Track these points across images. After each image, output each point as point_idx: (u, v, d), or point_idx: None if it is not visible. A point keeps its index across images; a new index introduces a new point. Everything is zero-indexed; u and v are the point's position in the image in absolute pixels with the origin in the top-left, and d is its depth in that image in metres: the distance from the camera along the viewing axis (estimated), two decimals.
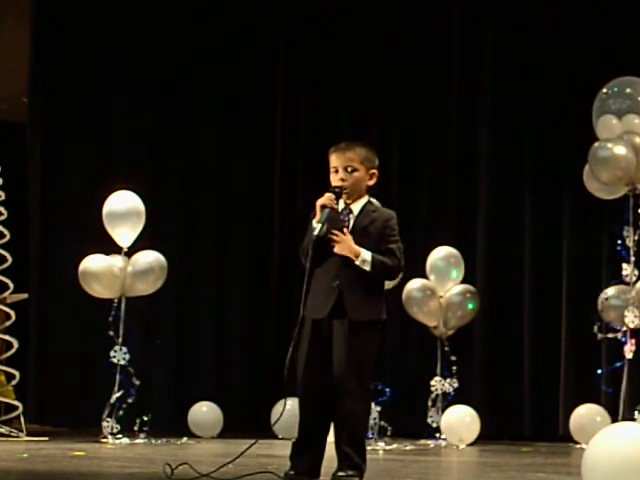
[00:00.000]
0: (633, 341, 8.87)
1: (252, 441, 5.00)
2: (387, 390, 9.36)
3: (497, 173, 10.98)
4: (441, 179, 11.17)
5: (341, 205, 5.14)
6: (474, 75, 11.12)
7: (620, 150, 8.71)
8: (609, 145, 8.78)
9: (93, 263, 8.80)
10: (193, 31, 11.20)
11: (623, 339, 8.97)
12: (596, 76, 9.56)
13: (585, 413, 9.37)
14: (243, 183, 11.40)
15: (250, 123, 11.38)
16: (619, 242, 9.00)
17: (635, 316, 8.85)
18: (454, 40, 11.20)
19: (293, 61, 11.48)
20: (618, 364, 9.02)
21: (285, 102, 11.47)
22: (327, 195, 5.06)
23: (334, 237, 5.00)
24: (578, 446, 9.19)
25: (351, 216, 5.14)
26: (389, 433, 9.51)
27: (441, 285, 9.85)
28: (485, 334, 10.73)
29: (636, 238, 8.90)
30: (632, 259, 8.90)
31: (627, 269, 8.90)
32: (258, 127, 11.38)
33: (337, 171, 5.14)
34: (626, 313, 8.87)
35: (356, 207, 5.16)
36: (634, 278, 8.94)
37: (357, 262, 5.01)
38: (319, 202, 5.03)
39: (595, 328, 9.21)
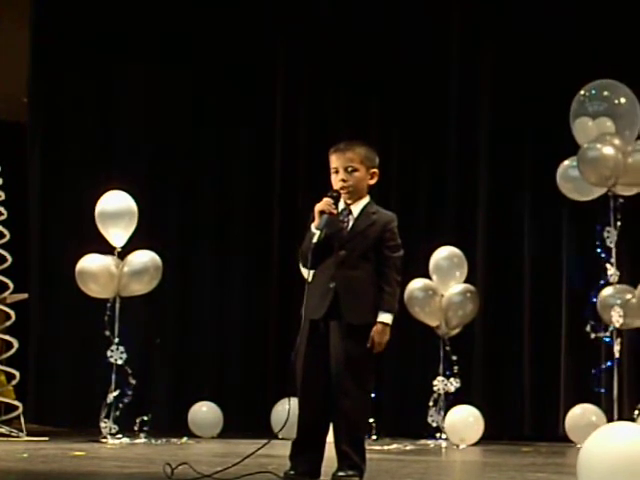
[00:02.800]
0: (619, 340, 8.88)
1: (252, 441, 5.00)
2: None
3: (497, 173, 10.97)
4: (441, 179, 11.17)
5: (341, 205, 5.13)
6: (474, 75, 11.12)
7: (608, 150, 8.74)
8: (598, 146, 8.81)
9: (90, 263, 8.80)
10: (193, 31, 11.19)
11: (608, 340, 8.96)
12: (596, 74, 9.56)
13: (581, 413, 9.37)
14: (243, 183, 11.40)
15: (250, 123, 11.38)
16: (597, 243, 9.02)
17: (620, 316, 8.87)
18: (454, 40, 11.20)
19: (293, 61, 11.48)
20: (609, 363, 9.02)
21: (285, 102, 11.47)
22: (325, 200, 5.04)
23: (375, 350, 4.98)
24: (578, 446, 9.19)
25: (350, 217, 5.12)
26: (374, 431, 9.47)
27: (443, 285, 9.85)
28: (485, 334, 10.72)
29: (616, 239, 8.93)
30: (613, 260, 8.91)
31: (611, 269, 8.92)
32: (258, 127, 11.38)
33: (337, 172, 5.13)
34: (612, 313, 8.89)
35: (356, 208, 5.14)
36: (616, 278, 8.95)
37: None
38: (317, 208, 5.02)
39: (588, 327, 9.22)
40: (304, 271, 5.10)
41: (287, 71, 11.49)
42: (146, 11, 11.08)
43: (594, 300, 9.08)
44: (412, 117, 11.24)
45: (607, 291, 9.11)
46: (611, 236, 8.91)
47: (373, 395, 9.01)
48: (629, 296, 9.10)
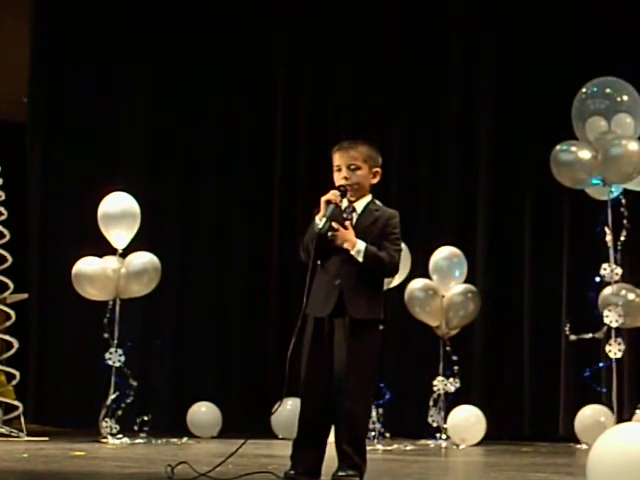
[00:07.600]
0: (620, 340, 8.85)
1: (248, 440, 4.97)
2: (387, 395, 9.28)
3: (497, 173, 10.96)
4: (441, 179, 11.16)
5: (344, 203, 5.14)
6: (474, 74, 11.12)
7: (584, 154, 8.73)
8: (573, 149, 8.80)
9: (86, 265, 8.77)
10: (192, 32, 11.19)
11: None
12: (597, 72, 9.57)
13: (591, 414, 9.30)
14: (243, 183, 11.40)
15: (250, 123, 11.38)
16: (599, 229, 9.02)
17: (620, 315, 8.83)
18: (453, 39, 11.20)
19: (293, 61, 11.48)
20: (601, 364, 8.99)
21: (285, 102, 11.47)
22: (332, 192, 5.06)
23: (336, 229, 4.99)
24: (578, 446, 9.18)
25: (354, 214, 5.15)
26: (388, 435, 9.48)
27: (443, 285, 9.84)
28: (486, 334, 10.72)
29: (623, 238, 8.91)
30: (612, 258, 8.89)
31: (607, 269, 8.90)
32: (258, 127, 11.38)
33: (340, 170, 5.15)
34: (607, 313, 8.85)
35: (359, 205, 5.17)
36: (616, 277, 8.93)
37: (352, 252, 5.01)
38: (324, 198, 5.03)
39: (567, 329, 9.20)
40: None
41: (287, 71, 11.49)
42: (148, 11, 11.09)
43: (593, 299, 9.04)
44: (412, 117, 11.23)
45: (608, 290, 9.09)
46: (608, 235, 8.89)
47: (388, 396, 9.10)
48: (631, 296, 9.08)
